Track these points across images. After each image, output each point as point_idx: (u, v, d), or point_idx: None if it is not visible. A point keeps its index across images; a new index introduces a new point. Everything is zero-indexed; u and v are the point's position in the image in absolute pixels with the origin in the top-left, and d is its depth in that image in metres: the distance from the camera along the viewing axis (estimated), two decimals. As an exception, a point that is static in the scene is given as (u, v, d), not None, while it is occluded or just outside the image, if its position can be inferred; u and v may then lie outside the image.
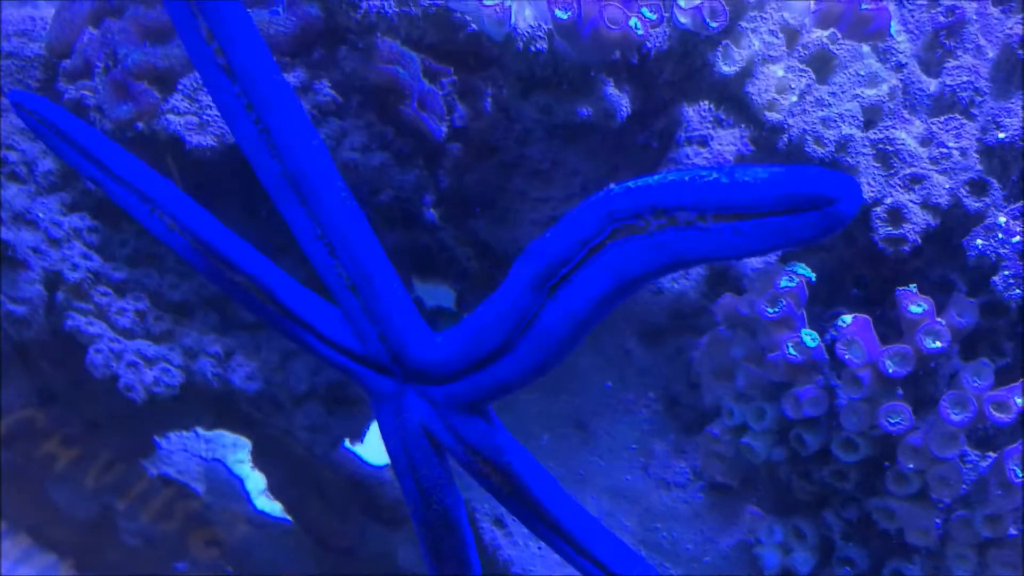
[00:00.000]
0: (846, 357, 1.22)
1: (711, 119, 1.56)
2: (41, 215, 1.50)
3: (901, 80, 1.26)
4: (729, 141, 1.55)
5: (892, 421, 1.22)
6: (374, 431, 1.81)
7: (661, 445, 1.59)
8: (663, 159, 1.52)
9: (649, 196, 0.72)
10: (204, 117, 1.28)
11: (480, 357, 0.90)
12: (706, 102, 1.31)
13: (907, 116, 1.26)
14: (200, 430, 1.98)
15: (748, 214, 0.69)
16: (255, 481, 2.29)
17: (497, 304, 0.86)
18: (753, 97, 1.18)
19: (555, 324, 0.83)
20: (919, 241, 1.20)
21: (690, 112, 1.54)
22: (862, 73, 1.20)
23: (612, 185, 0.75)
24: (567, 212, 0.78)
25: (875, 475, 1.31)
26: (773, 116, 1.19)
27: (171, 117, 1.29)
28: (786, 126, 1.19)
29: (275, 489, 1.97)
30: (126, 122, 1.32)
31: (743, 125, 1.27)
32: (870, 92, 1.22)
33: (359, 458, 2.02)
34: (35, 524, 1.93)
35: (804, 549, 1.40)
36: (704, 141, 1.55)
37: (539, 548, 1.61)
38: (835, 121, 1.16)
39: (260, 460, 1.94)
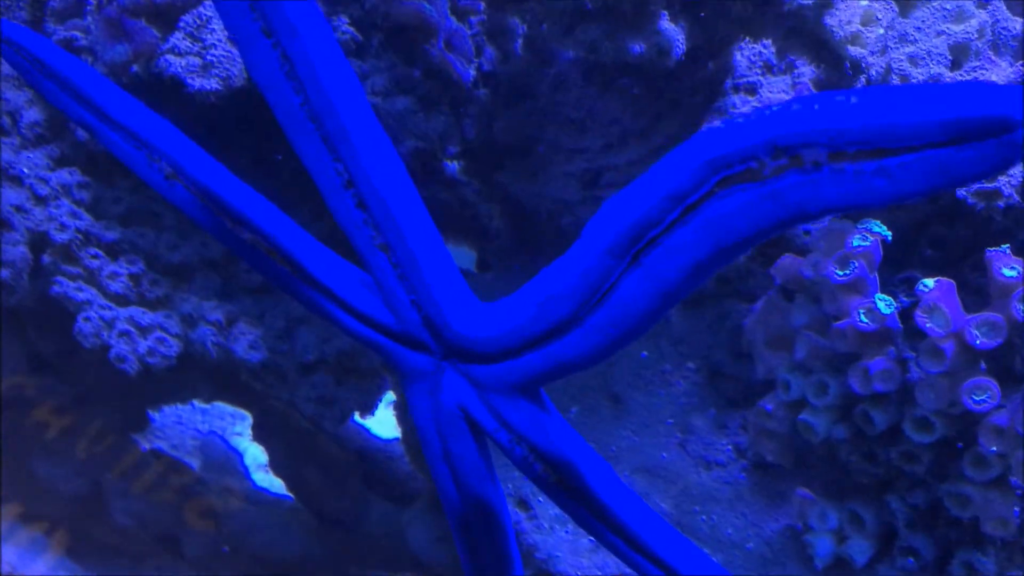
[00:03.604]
0: (927, 326, 1.10)
1: (760, 64, 1.42)
2: (26, 170, 1.36)
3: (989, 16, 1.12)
4: (780, 88, 1.41)
5: (976, 398, 1.10)
6: (385, 403, 1.69)
7: (701, 420, 1.46)
8: (709, 108, 1.38)
9: (766, 130, 0.58)
10: (208, 58, 1.13)
11: (538, 333, 0.77)
12: (768, 40, 1.16)
13: (993, 57, 1.12)
14: (197, 402, 1.85)
15: (898, 148, 0.55)
16: (254, 455, 2.17)
17: (564, 272, 0.73)
18: (833, 30, 1.04)
19: (637, 296, 0.69)
20: (1015, 196, 1.06)
21: (738, 56, 1.40)
22: (948, 7, 1.06)
23: (716, 122, 0.61)
24: (659, 160, 0.64)
25: (949, 457, 1.19)
26: (856, 51, 1.05)
27: (171, 58, 1.14)
28: (866, 64, 1.05)
29: (277, 465, 1.85)
30: (121, 65, 1.17)
31: (813, 65, 1.14)
32: (957, 28, 1.08)
33: (367, 431, 1.90)
34: (22, 499, 1.82)
35: (862, 536, 1.28)
36: (753, 88, 1.42)
37: (567, 532, 1.49)
38: (924, 58, 1.02)
39: (261, 434, 1.81)
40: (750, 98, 1.43)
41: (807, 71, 1.34)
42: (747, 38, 1.23)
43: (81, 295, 1.33)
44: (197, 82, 1.12)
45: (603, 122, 1.32)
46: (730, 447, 1.45)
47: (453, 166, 1.41)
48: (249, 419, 2.00)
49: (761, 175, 0.60)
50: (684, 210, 0.64)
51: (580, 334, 0.75)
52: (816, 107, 0.57)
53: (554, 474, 0.87)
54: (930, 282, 1.11)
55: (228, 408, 2.13)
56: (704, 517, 1.44)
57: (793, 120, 0.58)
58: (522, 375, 0.81)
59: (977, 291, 1.17)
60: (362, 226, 0.79)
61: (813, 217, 0.60)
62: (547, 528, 1.48)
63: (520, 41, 1.29)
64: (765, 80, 1.43)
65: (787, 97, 1.42)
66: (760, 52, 1.40)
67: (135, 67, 1.15)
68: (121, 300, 1.35)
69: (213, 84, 1.12)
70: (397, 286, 0.81)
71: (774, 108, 0.59)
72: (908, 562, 1.26)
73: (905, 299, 1.19)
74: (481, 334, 0.81)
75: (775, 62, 1.39)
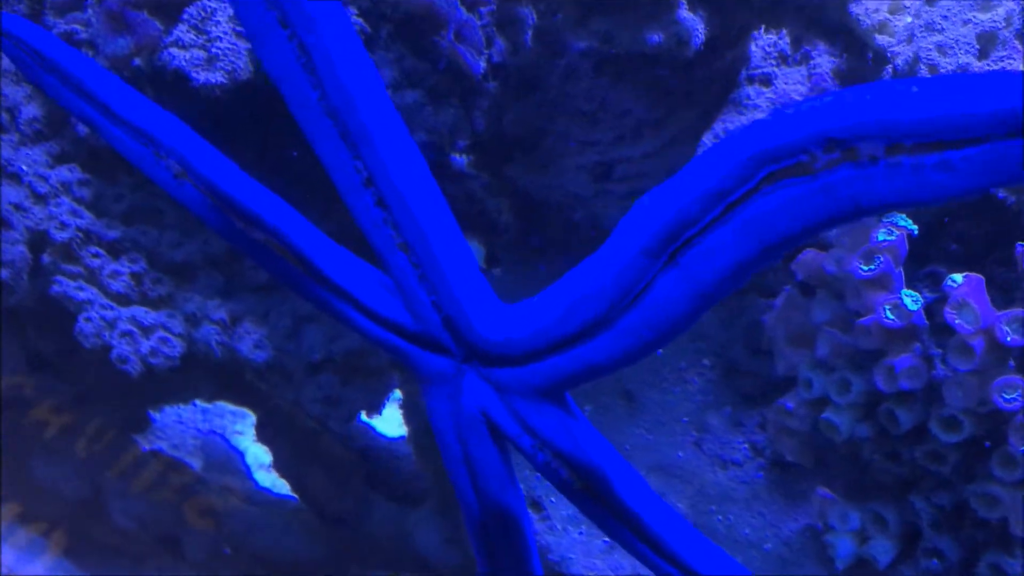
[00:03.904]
0: (956, 322, 1.07)
1: (775, 55, 1.39)
2: (25, 167, 1.32)
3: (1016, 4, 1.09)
4: (796, 80, 1.38)
5: (1007, 397, 1.07)
6: (392, 403, 1.65)
7: (716, 418, 1.44)
8: (724, 99, 1.35)
9: (819, 122, 0.55)
10: (213, 50, 1.09)
11: (566, 335, 0.74)
12: (784, 30, 1.13)
13: (1020, 46, 1.09)
14: (199, 402, 1.81)
15: (960, 140, 0.52)
16: (255, 454, 2.14)
17: (595, 272, 0.69)
18: (860, 18, 1.01)
19: (673, 299, 0.66)
20: (1048, 189, 1.03)
21: (752, 47, 1.37)
22: (975, -6, 1.03)
23: (734, 115, 0.58)
24: (699, 155, 0.61)
25: (976, 457, 1.16)
26: (883, 40, 1.02)
27: (175, 51, 1.10)
28: (892, 53, 1.01)
29: (281, 465, 1.81)
30: (123, 58, 1.13)
31: (831, 55, 1.10)
32: (983, 16, 1.05)
33: (372, 429, 1.87)
34: (21, 499, 1.78)
35: (885, 537, 1.26)
36: (768, 79, 1.39)
37: (580, 533, 1.46)
38: (952, 47, 0.99)
39: (265, 434, 1.78)
40: (764, 89, 1.40)
41: (824, 61, 1.31)
42: (763, 27, 1.20)
43: (82, 295, 1.29)
44: (202, 76, 1.08)
45: (615, 113, 1.29)
46: (746, 446, 1.42)
47: (461, 160, 1.37)
48: (250, 418, 1.96)
49: (812, 169, 0.56)
50: (726, 208, 0.61)
51: (610, 336, 0.72)
52: (870, 97, 0.54)
53: (580, 480, 0.85)
54: (959, 277, 1.08)
55: (229, 407, 2.09)
56: (720, 517, 1.41)
57: (848, 111, 0.54)
58: (547, 379, 0.78)
59: (1003, 287, 1.14)
60: (382, 225, 0.75)
61: (866, 214, 0.57)
62: (560, 529, 1.45)
63: (531, 32, 1.25)
64: (780, 71, 1.40)
65: (803, 88, 1.39)
66: (775, 42, 1.37)
67: (137, 60, 1.11)
68: (123, 299, 1.31)
69: (218, 77, 1.08)
70: (417, 287, 0.78)
71: (826, 98, 0.55)
72: (932, 563, 1.23)
73: (928, 294, 1.16)
74: (504, 336, 0.78)
75: (790, 52, 1.36)
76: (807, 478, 1.39)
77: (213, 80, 1.08)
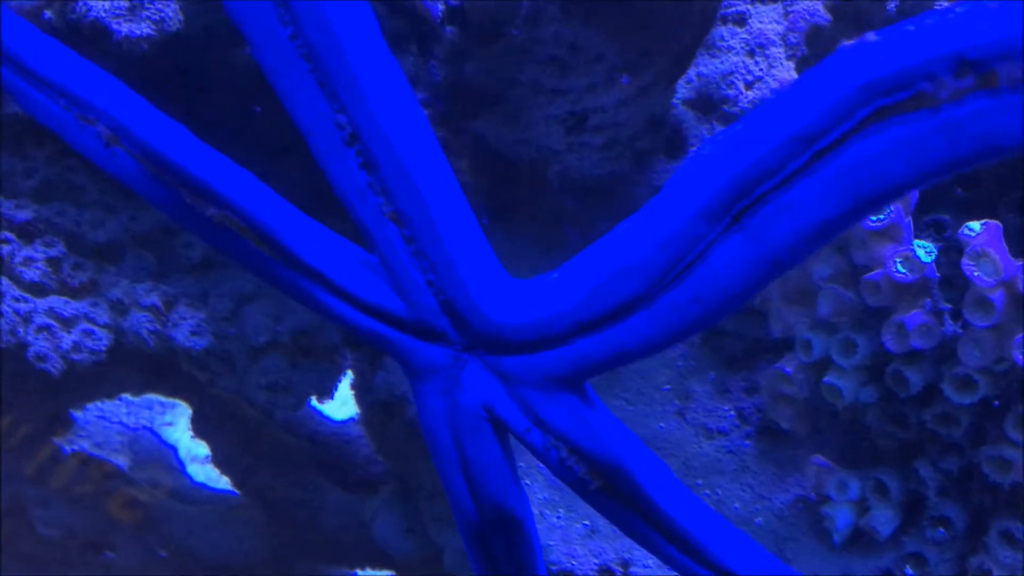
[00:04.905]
0: (975, 274, 0.98)
1: (749, -8, 1.28)
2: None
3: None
4: (771, 18, 1.29)
5: (1031, 353, 0.98)
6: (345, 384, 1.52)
7: (700, 385, 1.35)
8: (699, 43, 1.24)
9: (950, 40, 0.44)
10: (136, -2, 0.94)
11: (595, 316, 0.63)
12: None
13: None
14: (126, 396, 1.66)
15: None
16: (188, 445, 1.99)
17: (636, 239, 0.58)
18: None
19: (733, 268, 0.55)
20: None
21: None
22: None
23: (869, 34, 0.47)
24: (779, 90, 0.50)
25: (987, 419, 1.09)
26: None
27: (91, 0, 0.95)
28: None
29: (221, 460, 1.68)
30: (30, 11, 0.98)
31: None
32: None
33: (319, 413, 1.73)
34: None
35: (886, 507, 1.18)
36: (742, 19, 1.29)
37: (558, 518, 1.37)
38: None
39: (202, 427, 1.63)
40: (739, 29, 1.30)
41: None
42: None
43: (-10, 286, 1.14)
44: (124, 27, 0.93)
45: (586, 59, 1.17)
46: (733, 413, 1.33)
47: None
48: (180, 406, 1.82)
49: (934, 101, 0.45)
50: (814, 155, 0.50)
51: (648, 315, 0.61)
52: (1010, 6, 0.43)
53: (599, 479, 0.74)
54: (976, 225, 0.99)
55: (156, 396, 1.94)
56: (708, 491, 1.32)
57: (988, 24, 0.43)
58: (569, 365, 0.67)
59: (1017, 235, 1.06)
60: (366, 191, 0.63)
61: (997, 156, 0.47)
62: (536, 515, 1.35)
63: (489, -30, 1.12)
64: (754, 9, 1.30)
65: (779, 28, 1.29)
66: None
67: (48, 13, 0.96)
68: (38, 289, 1.16)
69: (144, 29, 0.93)
70: (409, 265, 0.66)
71: (957, 9, 0.44)
72: (939, 532, 1.16)
73: (939, 244, 1.08)
74: (517, 319, 0.66)
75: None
76: (796, 446, 1.31)
77: (138, 32, 0.93)
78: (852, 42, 0.47)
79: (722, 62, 1.28)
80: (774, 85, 1.28)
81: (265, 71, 0.58)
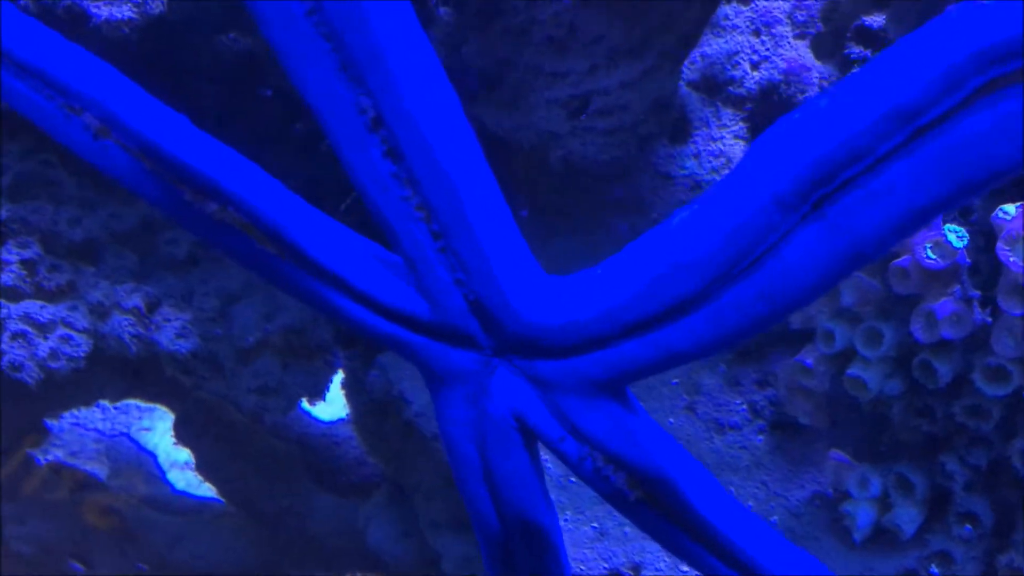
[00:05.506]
0: (1011, 260, 0.93)
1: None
2: None
3: None
4: (776, -5, 1.23)
5: (1069, 342, 0.94)
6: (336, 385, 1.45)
7: (711, 378, 1.30)
8: (705, 22, 1.18)
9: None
10: (118, -22, 0.87)
11: (646, 316, 0.58)
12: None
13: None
14: (104, 403, 1.59)
15: None
16: (167, 450, 1.92)
17: (696, 231, 0.53)
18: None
19: (810, 262, 0.50)
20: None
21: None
22: None
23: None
24: (875, 59, 0.44)
25: (1014, 410, 1.04)
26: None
27: (68, -18, 0.88)
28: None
29: (204, 466, 1.60)
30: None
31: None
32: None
33: (307, 414, 1.67)
34: None
35: (911, 504, 1.13)
36: (746, -6, 1.23)
37: (565, 520, 1.32)
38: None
39: (185, 433, 1.56)
40: (743, 8, 1.25)
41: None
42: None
43: (-40, 292, 1.07)
44: (104, 10, 0.87)
45: (587, 40, 1.12)
46: (745, 407, 1.28)
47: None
48: (158, 410, 1.75)
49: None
50: (913, 132, 0.44)
51: (707, 315, 0.56)
52: None
53: (640, 489, 0.69)
54: (1011, 208, 0.95)
55: (135, 401, 1.86)
56: (720, 489, 1.27)
57: None
58: (612, 370, 0.62)
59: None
60: (390, 182, 0.57)
61: None
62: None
63: (487, -53, 1.06)
64: (758, -15, 1.24)
65: (786, 5, 1.24)
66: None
67: (22, -3, 0.89)
68: (12, 294, 1.10)
69: (126, 12, 0.87)
70: (436, 262, 0.60)
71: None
72: (965, 530, 1.11)
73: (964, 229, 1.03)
74: (556, 320, 0.61)
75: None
76: (812, 441, 1.26)
77: (119, 16, 0.87)
78: (956, 4, 0.42)
79: (727, 41, 1.23)
80: (782, 65, 1.23)
81: (275, 48, 0.52)
